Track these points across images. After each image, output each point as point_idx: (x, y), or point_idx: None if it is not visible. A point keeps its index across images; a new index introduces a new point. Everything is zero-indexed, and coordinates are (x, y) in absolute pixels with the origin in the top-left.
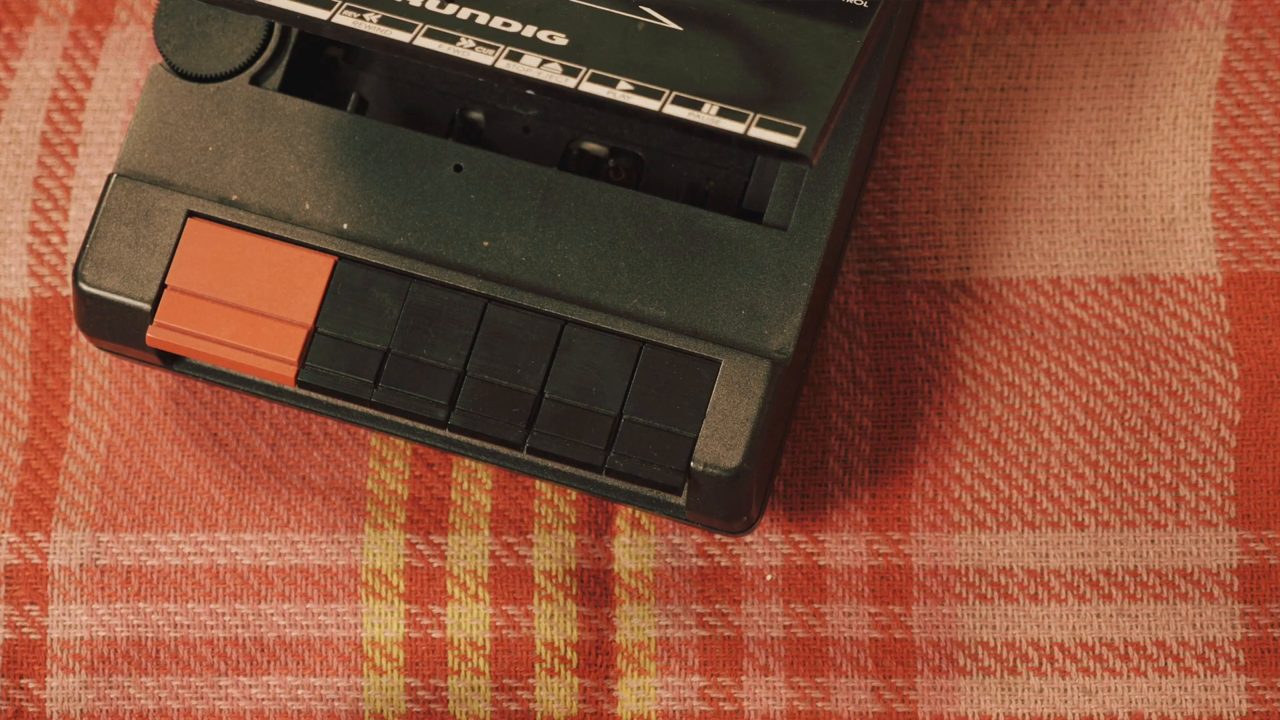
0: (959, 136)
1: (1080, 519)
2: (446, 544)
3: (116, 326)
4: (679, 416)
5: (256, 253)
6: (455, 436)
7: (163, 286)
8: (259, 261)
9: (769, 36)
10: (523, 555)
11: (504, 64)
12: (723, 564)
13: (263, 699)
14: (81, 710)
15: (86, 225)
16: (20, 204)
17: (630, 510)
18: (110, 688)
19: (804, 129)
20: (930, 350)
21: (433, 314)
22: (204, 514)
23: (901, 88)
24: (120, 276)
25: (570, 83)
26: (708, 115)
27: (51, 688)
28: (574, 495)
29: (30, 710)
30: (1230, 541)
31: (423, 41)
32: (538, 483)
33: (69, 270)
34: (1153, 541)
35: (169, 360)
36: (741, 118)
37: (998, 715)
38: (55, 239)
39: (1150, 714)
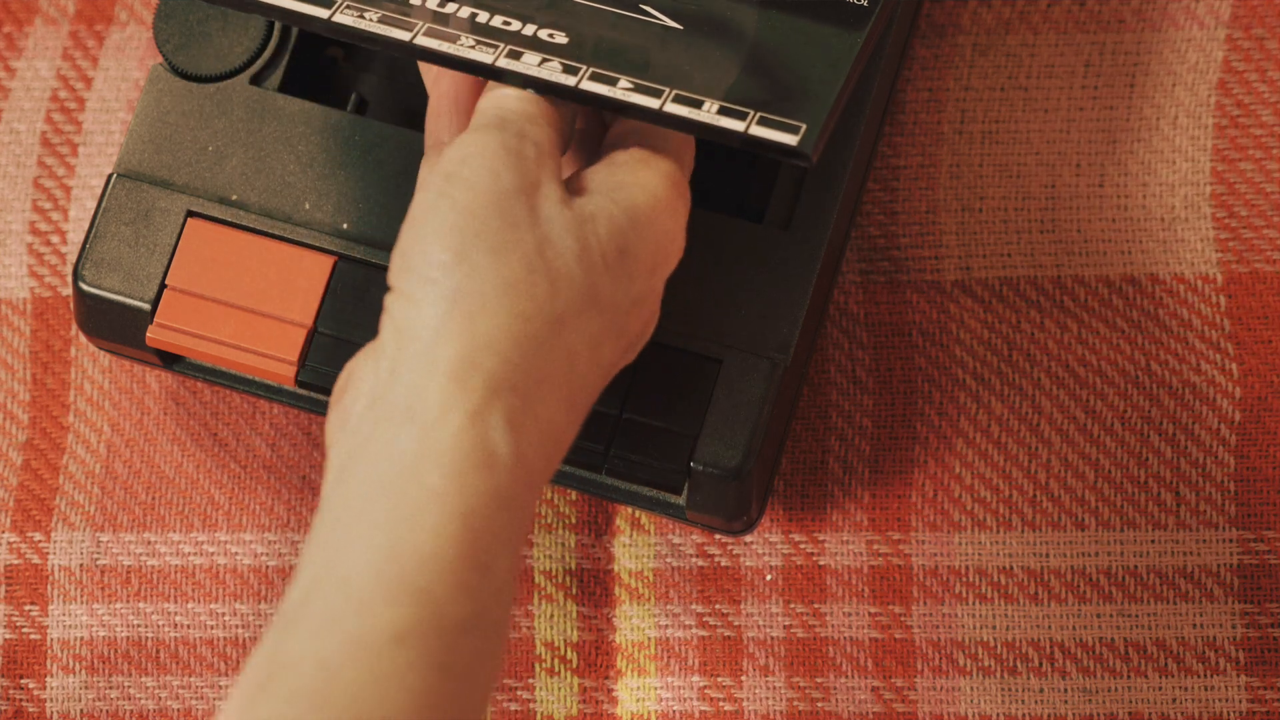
0: (959, 136)
1: (1080, 519)
2: None
3: (116, 326)
4: (679, 416)
5: (256, 253)
6: None
7: (163, 286)
8: (259, 261)
9: (769, 37)
10: (523, 555)
11: (504, 62)
12: (723, 564)
13: None
14: (81, 710)
15: (86, 225)
16: (20, 204)
17: (630, 510)
18: (110, 688)
19: (804, 127)
20: (930, 350)
21: None
22: (204, 514)
23: (901, 88)
24: (120, 276)
25: (571, 81)
26: (708, 114)
27: (51, 688)
28: (574, 495)
29: (30, 710)
30: (1231, 541)
31: (423, 40)
32: None
33: (69, 270)
34: (1153, 541)
35: (169, 360)
36: (742, 116)
37: (997, 715)
38: (55, 239)
39: (1150, 714)
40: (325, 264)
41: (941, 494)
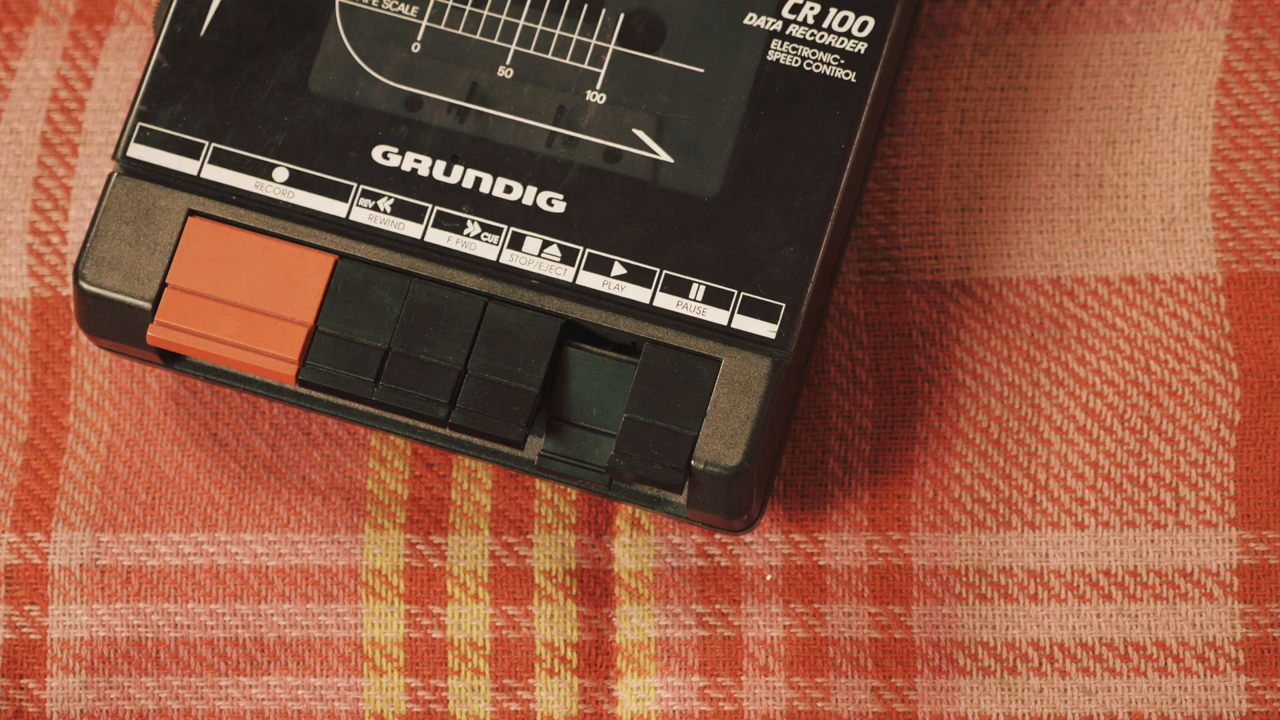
0: (959, 136)
1: (1080, 519)
2: (446, 544)
3: (117, 325)
4: (680, 415)
5: (257, 251)
6: (456, 435)
7: (163, 285)
8: (260, 260)
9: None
10: (523, 555)
11: (508, 256)
12: (723, 564)
13: (263, 699)
14: (81, 710)
15: (86, 225)
16: (20, 204)
17: (630, 510)
18: (110, 688)
19: (783, 308)
20: (930, 350)
21: (433, 312)
22: (204, 514)
23: (901, 88)
24: (121, 275)
25: (569, 276)
26: (694, 302)
27: (51, 688)
28: (574, 495)
29: (30, 710)
30: (1230, 541)
31: (432, 234)
32: (538, 482)
33: (69, 270)
34: (1153, 541)
35: (169, 359)
36: (726, 300)
37: (998, 715)
38: (55, 239)
39: (1150, 714)
40: (326, 262)
41: (941, 494)
